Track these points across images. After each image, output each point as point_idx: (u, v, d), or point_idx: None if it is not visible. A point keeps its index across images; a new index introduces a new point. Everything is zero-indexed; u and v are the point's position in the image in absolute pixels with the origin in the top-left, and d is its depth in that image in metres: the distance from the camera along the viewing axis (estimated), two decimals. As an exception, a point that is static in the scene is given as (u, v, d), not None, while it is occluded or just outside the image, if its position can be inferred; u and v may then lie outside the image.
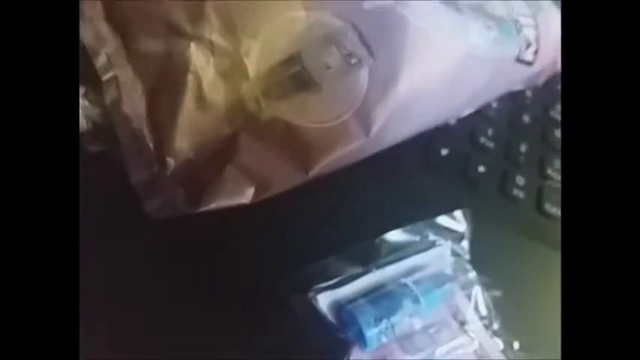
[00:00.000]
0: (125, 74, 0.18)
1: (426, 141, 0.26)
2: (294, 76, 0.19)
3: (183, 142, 0.18)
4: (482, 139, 0.28)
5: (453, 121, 0.28)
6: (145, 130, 0.18)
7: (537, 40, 0.28)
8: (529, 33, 0.28)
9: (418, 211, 0.23)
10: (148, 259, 0.20)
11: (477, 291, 0.21)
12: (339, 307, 0.19)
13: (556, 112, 0.31)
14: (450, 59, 0.24)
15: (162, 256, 0.20)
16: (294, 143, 0.19)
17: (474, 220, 0.23)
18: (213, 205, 0.18)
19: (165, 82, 0.18)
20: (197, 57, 0.18)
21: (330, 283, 0.20)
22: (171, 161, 0.18)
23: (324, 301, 0.19)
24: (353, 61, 0.21)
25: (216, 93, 0.18)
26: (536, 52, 0.28)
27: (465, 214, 0.23)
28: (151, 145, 0.18)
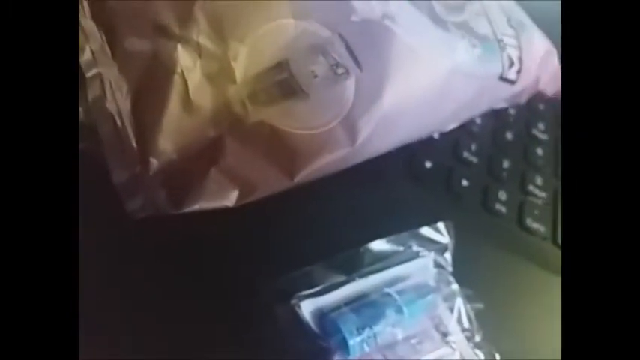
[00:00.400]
0: (110, 72, 0.18)
1: (410, 153, 0.26)
2: (281, 82, 0.20)
3: (167, 143, 0.18)
4: (466, 154, 0.28)
5: (437, 135, 0.28)
6: (129, 130, 0.18)
7: (520, 60, 0.29)
8: (512, 53, 0.28)
9: (401, 222, 0.23)
10: (126, 261, 0.19)
11: (460, 303, 0.21)
12: (321, 314, 0.19)
13: (538, 131, 0.32)
14: (435, 74, 0.24)
15: (141, 260, 0.20)
16: (279, 148, 0.19)
17: (456, 232, 0.23)
18: (196, 207, 0.18)
19: (151, 83, 0.18)
20: (184, 58, 0.18)
21: (314, 290, 0.20)
22: (154, 162, 0.18)
23: (307, 308, 0.19)
24: (340, 70, 0.21)
25: (202, 95, 0.18)
26: (518, 72, 0.29)
27: (447, 227, 0.23)
28: (134, 145, 0.18)
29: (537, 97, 0.32)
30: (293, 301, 0.19)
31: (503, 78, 0.28)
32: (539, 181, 0.29)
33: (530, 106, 0.32)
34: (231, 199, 0.19)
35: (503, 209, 0.27)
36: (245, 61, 0.19)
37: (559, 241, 0.27)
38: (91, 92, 0.18)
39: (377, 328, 0.19)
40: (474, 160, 0.28)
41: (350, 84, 0.21)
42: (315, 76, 0.20)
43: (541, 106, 0.33)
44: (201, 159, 0.18)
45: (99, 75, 0.18)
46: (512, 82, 0.29)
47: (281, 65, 0.20)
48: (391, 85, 0.22)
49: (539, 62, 0.30)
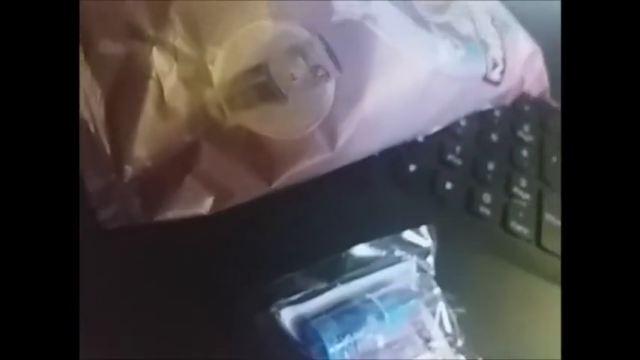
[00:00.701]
0: (83, 77, 0.18)
1: (394, 157, 0.26)
2: (260, 85, 0.19)
3: (142, 149, 0.18)
4: (450, 157, 0.28)
5: (421, 138, 0.28)
6: (103, 136, 0.17)
7: (504, 60, 0.29)
8: (496, 53, 0.28)
9: (385, 226, 0.22)
10: (100, 272, 0.19)
11: (442, 307, 0.21)
12: (302, 322, 0.19)
13: (523, 132, 0.32)
14: (417, 76, 0.24)
15: (116, 270, 0.19)
16: (257, 153, 0.19)
17: (439, 236, 0.23)
18: (170, 215, 0.18)
19: (125, 87, 0.18)
20: (159, 62, 0.18)
21: (294, 298, 0.19)
22: (128, 169, 0.18)
23: (287, 316, 0.19)
24: (320, 73, 0.20)
25: (178, 99, 0.18)
26: (502, 72, 0.29)
27: (430, 230, 0.23)
28: (109, 152, 0.17)
29: (522, 98, 0.32)
30: (273, 309, 0.19)
31: (487, 79, 0.28)
32: (523, 182, 0.29)
33: (516, 108, 0.32)
34: (205, 206, 0.18)
35: (488, 212, 0.27)
36: (222, 64, 0.19)
37: (543, 243, 0.27)
38: None
39: (357, 335, 0.19)
40: (459, 162, 0.28)
41: (330, 86, 0.20)
42: (294, 79, 0.20)
43: (526, 108, 0.33)
44: (176, 165, 0.18)
45: None
46: (496, 83, 0.28)
47: (259, 68, 0.19)
48: (372, 88, 0.22)
49: (523, 63, 0.30)
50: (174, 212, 0.18)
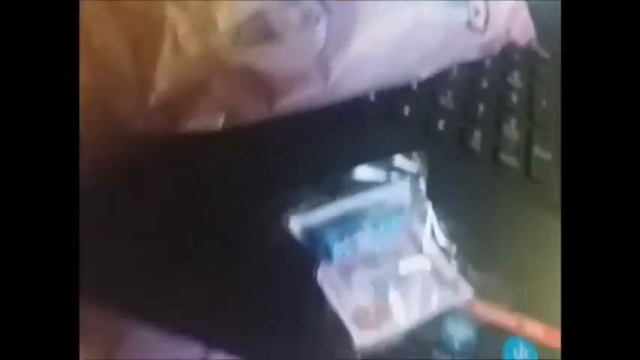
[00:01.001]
0: (112, 28, 0.21)
1: (389, 101, 0.29)
2: (259, 30, 0.22)
3: (163, 81, 0.21)
4: (443, 101, 0.31)
5: (414, 86, 0.30)
6: (130, 73, 0.21)
7: (487, 9, 0.31)
8: (478, 3, 0.31)
9: (380, 157, 0.25)
10: (126, 180, 0.22)
11: (434, 220, 0.24)
12: (308, 229, 0.22)
13: (513, 79, 0.34)
14: (399, 24, 0.26)
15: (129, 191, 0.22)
16: (259, 84, 0.22)
17: (431, 165, 0.25)
18: (189, 126, 0.21)
19: (146, 35, 0.21)
20: (172, 14, 0.21)
21: (300, 209, 0.22)
22: (152, 96, 0.21)
23: (294, 225, 0.22)
24: (311, 18, 0.24)
25: (190, 44, 0.21)
26: (486, 21, 0.31)
27: (421, 156, 0.25)
28: (135, 85, 0.21)
29: (512, 47, 0.35)
30: (283, 220, 0.22)
31: (470, 26, 0.30)
32: (513, 122, 0.31)
33: (505, 57, 0.35)
34: (218, 122, 0.22)
35: (478, 147, 0.29)
36: (226, 13, 0.22)
37: (532, 173, 0.29)
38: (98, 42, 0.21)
39: (357, 237, 0.22)
40: (451, 105, 0.31)
41: (320, 29, 0.23)
42: (289, 24, 0.23)
43: (517, 56, 0.35)
44: (192, 93, 0.21)
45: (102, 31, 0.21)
46: (480, 30, 0.31)
47: (258, 15, 0.22)
48: (358, 34, 0.24)
49: (507, 14, 0.33)
50: (192, 124, 0.21)
